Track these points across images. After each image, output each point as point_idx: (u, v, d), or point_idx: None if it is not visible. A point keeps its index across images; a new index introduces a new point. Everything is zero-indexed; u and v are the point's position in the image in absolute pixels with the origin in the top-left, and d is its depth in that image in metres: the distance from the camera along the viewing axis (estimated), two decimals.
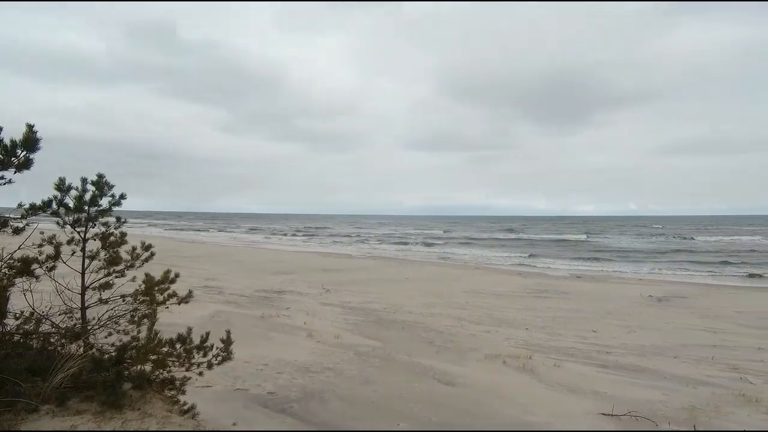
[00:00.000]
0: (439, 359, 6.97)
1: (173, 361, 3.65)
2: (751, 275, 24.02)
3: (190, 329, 3.78)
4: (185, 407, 3.51)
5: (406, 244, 49.70)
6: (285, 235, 64.22)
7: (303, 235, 63.03)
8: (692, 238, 54.71)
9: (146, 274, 3.99)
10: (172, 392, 3.61)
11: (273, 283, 15.95)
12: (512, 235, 63.58)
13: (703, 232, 67.30)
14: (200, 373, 3.73)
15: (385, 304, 12.62)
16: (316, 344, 7.17)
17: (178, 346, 3.68)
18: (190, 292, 4.17)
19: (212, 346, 3.81)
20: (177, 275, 4.11)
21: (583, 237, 58.48)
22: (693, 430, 3.57)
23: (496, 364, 6.95)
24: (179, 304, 4.07)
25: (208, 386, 4.76)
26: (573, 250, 40.99)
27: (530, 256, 35.94)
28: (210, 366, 3.76)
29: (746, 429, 3.46)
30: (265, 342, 7.09)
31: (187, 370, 3.70)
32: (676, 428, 4.41)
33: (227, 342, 3.88)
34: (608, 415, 4.73)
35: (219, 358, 3.81)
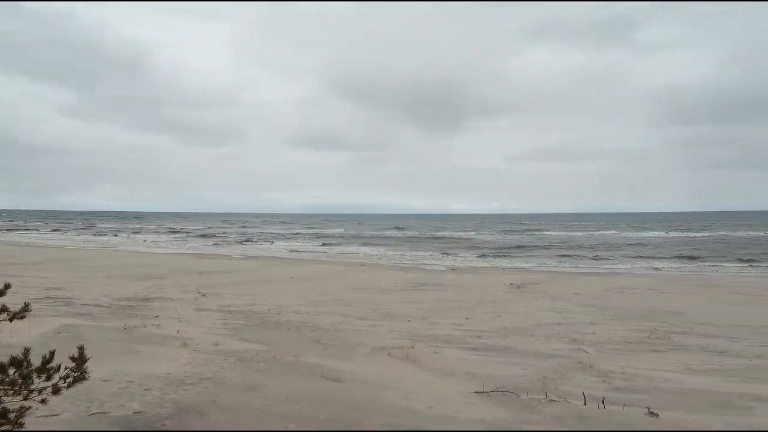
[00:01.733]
0: (327, 357, 6.95)
1: (5, 390, 2.99)
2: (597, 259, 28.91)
3: (27, 350, 3.14)
4: None
5: (290, 242, 48.60)
6: (147, 233, 57.76)
7: (174, 235, 57.43)
8: (551, 233, 63.81)
9: None
10: (5, 427, 2.96)
11: (137, 289, 14.23)
12: (400, 233, 66.59)
13: (566, 228, 78.52)
14: (43, 401, 3.12)
15: (269, 305, 12.15)
16: (192, 353, 6.58)
17: (11, 371, 3.03)
18: (27, 305, 3.46)
19: (60, 366, 3.21)
20: (7, 285, 3.38)
21: (472, 234, 63.90)
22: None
23: (381, 356, 7.19)
24: (11, 320, 3.35)
25: (54, 414, 4.02)
26: (455, 246, 44.60)
27: (439, 253, 37.99)
28: (57, 390, 3.17)
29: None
30: (129, 357, 6.26)
31: (25, 399, 3.06)
32: (533, 396, 5.08)
33: (80, 360, 3.32)
34: (480, 392, 5.24)
35: (69, 380, 3.23)
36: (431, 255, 35.76)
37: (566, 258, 33.13)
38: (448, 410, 4.63)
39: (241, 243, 47.42)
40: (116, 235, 55.18)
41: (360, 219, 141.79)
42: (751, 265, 28.16)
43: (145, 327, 8.37)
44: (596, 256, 33.94)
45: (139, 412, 4.31)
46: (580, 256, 34.49)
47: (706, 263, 29.48)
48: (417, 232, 68.04)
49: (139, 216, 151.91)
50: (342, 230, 72.78)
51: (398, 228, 79.66)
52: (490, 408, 4.75)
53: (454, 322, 10.88)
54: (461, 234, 63.49)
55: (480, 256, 34.93)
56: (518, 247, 43.07)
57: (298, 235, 60.39)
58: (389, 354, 7.25)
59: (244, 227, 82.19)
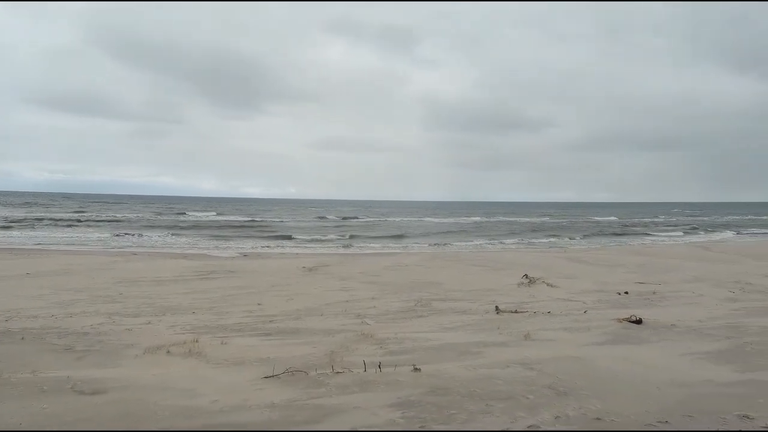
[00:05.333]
0: (83, 366, 5.71)
1: None
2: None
3: None
4: None
5: (29, 229, 38.02)
6: None
7: None
8: (351, 220, 67.94)
9: None
10: None
11: None
12: (184, 218, 59.91)
13: (359, 214, 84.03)
14: None
15: None
16: None
17: None
18: None
19: None
20: None
21: (267, 219, 61.87)
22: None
23: (158, 355, 6.34)
24: None
25: None
26: (250, 232, 42.71)
27: (231, 238, 34.96)
28: None
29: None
30: None
31: None
32: (321, 371, 5.34)
33: None
34: (270, 377, 5.19)
35: None
36: (220, 242, 33.56)
37: (356, 240, 36.19)
38: (235, 400, 4.43)
39: None
40: None
41: (133, 200, 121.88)
42: (487, 243, 36.62)
43: None
44: (384, 245, 38.22)
45: None
46: (365, 239, 38.18)
47: (458, 242, 36.89)
48: (205, 217, 62.81)
49: None
50: (102, 213, 61.01)
51: (182, 212, 71.77)
52: (280, 390, 4.77)
53: (245, 310, 10.50)
54: (255, 219, 61.68)
55: (274, 242, 34.73)
56: (314, 239, 44.71)
57: (37, 219, 47.69)
58: (168, 352, 6.46)
59: None
